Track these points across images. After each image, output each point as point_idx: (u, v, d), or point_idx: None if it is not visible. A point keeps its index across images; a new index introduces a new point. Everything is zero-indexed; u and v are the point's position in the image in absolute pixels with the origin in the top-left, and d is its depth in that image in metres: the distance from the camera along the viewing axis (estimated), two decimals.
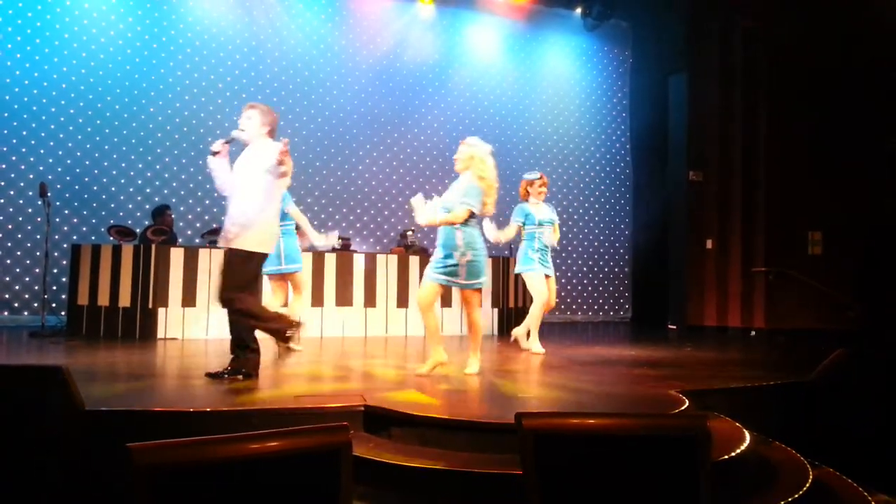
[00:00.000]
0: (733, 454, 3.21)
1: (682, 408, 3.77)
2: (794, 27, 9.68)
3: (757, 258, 9.74)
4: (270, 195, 4.46)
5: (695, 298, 10.14)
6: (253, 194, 4.39)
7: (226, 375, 4.47)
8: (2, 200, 8.58)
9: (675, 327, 10.29)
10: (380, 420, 3.58)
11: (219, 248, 7.69)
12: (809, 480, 3.23)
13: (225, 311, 4.49)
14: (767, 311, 9.56)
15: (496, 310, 8.64)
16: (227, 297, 4.38)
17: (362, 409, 3.64)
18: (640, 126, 11.92)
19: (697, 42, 10.42)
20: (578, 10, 11.66)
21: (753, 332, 9.52)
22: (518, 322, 8.88)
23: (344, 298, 7.88)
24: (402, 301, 8.16)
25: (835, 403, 4.52)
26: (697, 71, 10.39)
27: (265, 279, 6.27)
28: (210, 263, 7.37)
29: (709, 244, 10.09)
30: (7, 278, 8.57)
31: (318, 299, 7.79)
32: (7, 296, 8.57)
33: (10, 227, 8.60)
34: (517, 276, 6.90)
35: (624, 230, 12.33)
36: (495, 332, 8.57)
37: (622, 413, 3.07)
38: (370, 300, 8.12)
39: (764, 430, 3.86)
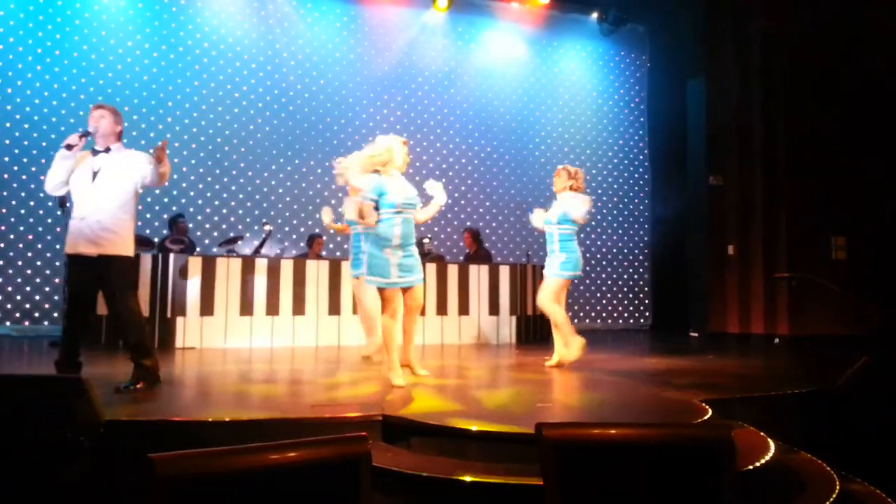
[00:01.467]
0: (757, 464, 3.15)
1: (705, 417, 3.71)
2: (812, 26, 9.59)
3: (779, 263, 9.61)
4: (136, 202, 4.53)
5: (716, 305, 10.02)
6: (125, 200, 4.40)
7: (132, 386, 4.30)
8: (22, 211, 8.71)
9: (696, 335, 10.18)
10: (398, 430, 3.55)
11: (231, 255, 7.75)
12: (836, 491, 3.16)
13: (132, 321, 4.43)
14: (791, 318, 9.43)
15: (514, 317, 8.59)
16: (131, 306, 4.40)
17: (380, 418, 3.62)
18: (659, 130, 11.87)
19: (714, 45, 10.35)
20: (594, 16, 11.67)
21: (777, 340, 9.40)
22: (537, 330, 8.85)
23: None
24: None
25: (861, 411, 4.44)
26: (715, 74, 10.32)
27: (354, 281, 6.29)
28: (228, 273, 7.41)
29: (730, 250, 9.97)
30: (27, 288, 8.68)
31: (335, 308, 7.80)
32: (28, 306, 8.68)
33: (30, 237, 8.71)
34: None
35: (643, 236, 12.25)
36: (513, 339, 8.53)
37: (644, 423, 3.02)
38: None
39: (789, 439, 3.79)
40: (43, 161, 8.84)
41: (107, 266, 4.32)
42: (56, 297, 8.53)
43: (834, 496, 3.11)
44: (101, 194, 4.34)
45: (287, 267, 7.69)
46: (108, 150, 4.43)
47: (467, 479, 2.92)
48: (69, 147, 4.27)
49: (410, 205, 4.66)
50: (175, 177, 9.34)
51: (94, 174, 4.36)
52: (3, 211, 8.69)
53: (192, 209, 9.43)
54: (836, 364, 5.20)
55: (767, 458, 3.25)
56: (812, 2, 9.54)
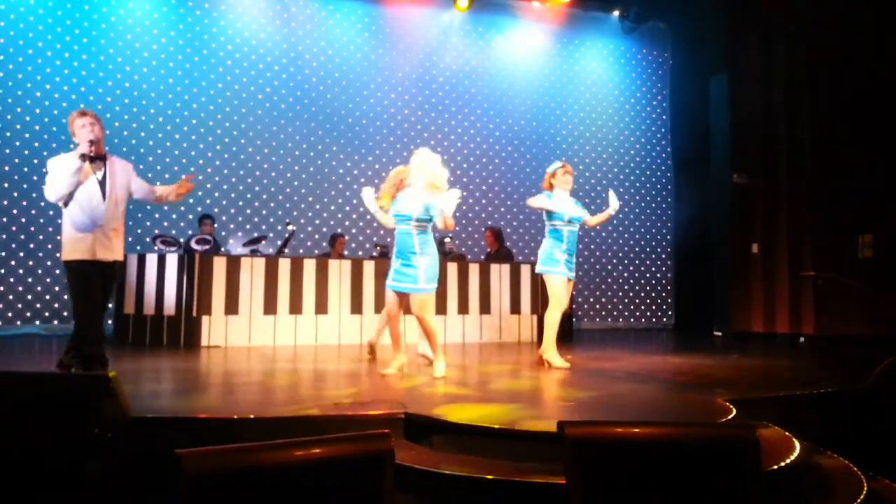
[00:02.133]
0: (783, 464, 3.12)
1: (730, 416, 3.68)
2: (835, 23, 9.44)
3: (805, 262, 9.48)
4: None
5: (741, 304, 9.90)
6: (125, 207, 4.62)
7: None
8: (51, 213, 8.84)
9: (720, 334, 10.07)
10: (420, 427, 3.57)
11: (259, 255, 7.83)
12: (864, 492, 3.12)
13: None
14: (817, 317, 9.29)
15: (535, 316, 8.57)
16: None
17: (403, 416, 3.64)
18: (681, 128, 11.77)
19: (737, 42, 10.23)
20: (616, 13, 11.59)
21: (803, 339, 9.27)
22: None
23: (381, 305, 7.89)
24: (441, 308, 8.14)
25: (889, 412, 4.37)
26: (738, 71, 10.20)
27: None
28: (252, 272, 7.48)
29: (754, 248, 9.85)
30: (56, 288, 8.82)
31: (356, 307, 7.84)
32: (56, 305, 8.83)
33: (58, 238, 8.83)
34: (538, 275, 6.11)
35: (666, 234, 12.15)
36: (535, 338, 8.50)
37: (668, 422, 3.01)
38: (407, 307, 8.12)
39: (815, 439, 3.75)
40: None
41: (111, 268, 4.55)
42: None
43: (862, 497, 3.07)
44: (111, 202, 4.47)
45: (310, 266, 7.75)
46: (104, 157, 4.53)
47: (489, 477, 2.92)
48: (84, 158, 4.35)
49: (404, 218, 5.05)
50: (200, 178, 9.44)
51: (101, 182, 4.47)
52: (34, 212, 8.85)
53: (216, 209, 9.53)
54: (863, 364, 5.13)
55: (793, 458, 3.21)
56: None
